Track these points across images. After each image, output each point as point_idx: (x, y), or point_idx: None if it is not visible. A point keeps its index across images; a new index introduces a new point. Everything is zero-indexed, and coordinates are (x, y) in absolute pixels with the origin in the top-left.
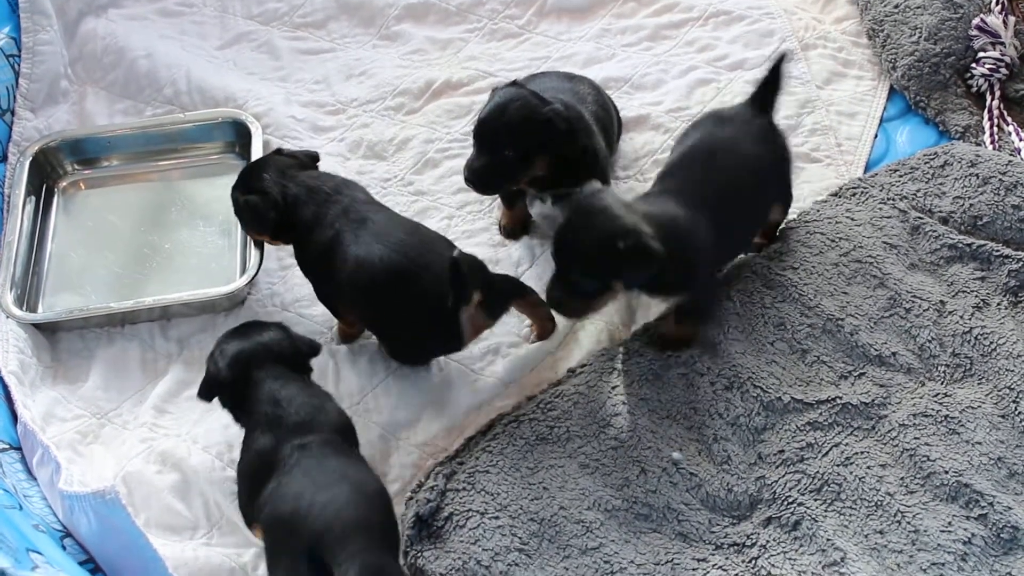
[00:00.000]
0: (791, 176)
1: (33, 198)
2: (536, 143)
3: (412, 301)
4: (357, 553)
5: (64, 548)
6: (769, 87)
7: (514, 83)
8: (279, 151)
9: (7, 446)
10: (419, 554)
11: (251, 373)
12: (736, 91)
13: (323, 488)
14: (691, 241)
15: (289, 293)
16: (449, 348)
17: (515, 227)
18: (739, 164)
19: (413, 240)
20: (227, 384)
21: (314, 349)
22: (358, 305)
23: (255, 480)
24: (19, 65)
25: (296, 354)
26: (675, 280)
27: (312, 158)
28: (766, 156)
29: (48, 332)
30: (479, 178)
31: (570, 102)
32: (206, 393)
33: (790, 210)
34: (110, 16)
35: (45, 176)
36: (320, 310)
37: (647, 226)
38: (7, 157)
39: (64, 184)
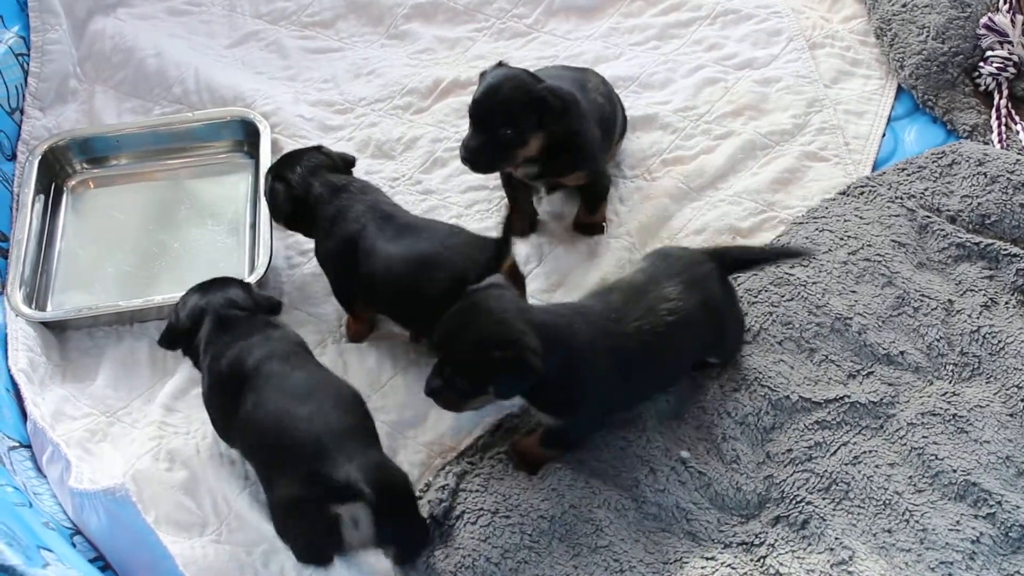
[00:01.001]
0: (728, 333)
1: (42, 197)
2: (531, 120)
3: (439, 287)
4: (353, 456)
5: (74, 546)
6: (748, 263)
7: (501, 64)
8: (319, 148)
9: (17, 444)
10: (430, 552)
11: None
12: (744, 90)
13: (301, 401)
14: (585, 367)
15: (298, 292)
16: None
17: (523, 225)
18: (665, 305)
19: (438, 230)
20: (185, 333)
21: (273, 307)
22: (382, 297)
23: (225, 400)
24: (28, 64)
25: (255, 309)
26: (557, 402)
27: (347, 162)
28: (699, 304)
29: (57, 330)
30: (476, 156)
31: (566, 86)
32: (166, 341)
33: (800, 205)
34: (119, 15)
35: (54, 175)
36: (330, 308)
37: (535, 339)
38: (16, 156)
39: (73, 183)
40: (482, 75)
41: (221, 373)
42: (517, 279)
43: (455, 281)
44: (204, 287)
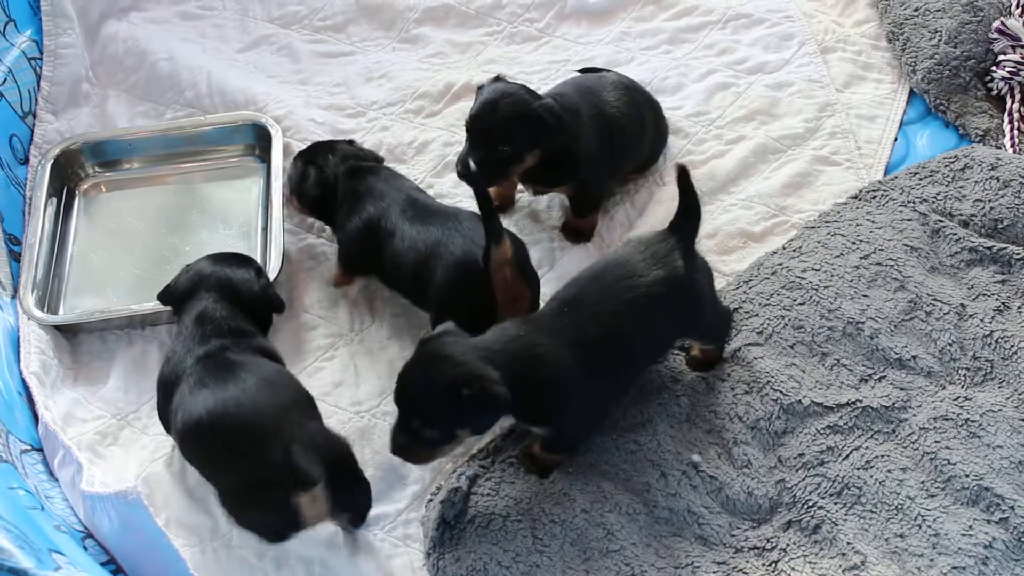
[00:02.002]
0: (705, 308)
1: (54, 200)
2: (528, 137)
3: (447, 271)
4: (295, 433)
5: (86, 549)
6: (687, 212)
7: (498, 78)
8: (350, 142)
9: (29, 447)
10: (441, 556)
11: (199, 294)
12: (755, 94)
13: (227, 387)
14: (550, 373)
15: (308, 296)
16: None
17: (502, 202)
18: (621, 284)
19: (455, 216)
20: (175, 298)
21: (277, 306)
22: (397, 276)
23: (166, 388)
24: (41, 68)
25: (255, 298)
26: (537, 414)
27: (377, 159)
28: (660, 279)
29: (69, 334)
30: (473, 172)
31: (571, 99)
32: (162, 297)
33: (811, 209)
34: (131, 19)
35: (66, 178)
36: (341, 312)
37: (492, 369)
38: (29, 159)
39: (85, 186)
40: (479, 89)
41: (166, 369)
42: (526, 272)
43: (459, 263)
44: (218, 259)
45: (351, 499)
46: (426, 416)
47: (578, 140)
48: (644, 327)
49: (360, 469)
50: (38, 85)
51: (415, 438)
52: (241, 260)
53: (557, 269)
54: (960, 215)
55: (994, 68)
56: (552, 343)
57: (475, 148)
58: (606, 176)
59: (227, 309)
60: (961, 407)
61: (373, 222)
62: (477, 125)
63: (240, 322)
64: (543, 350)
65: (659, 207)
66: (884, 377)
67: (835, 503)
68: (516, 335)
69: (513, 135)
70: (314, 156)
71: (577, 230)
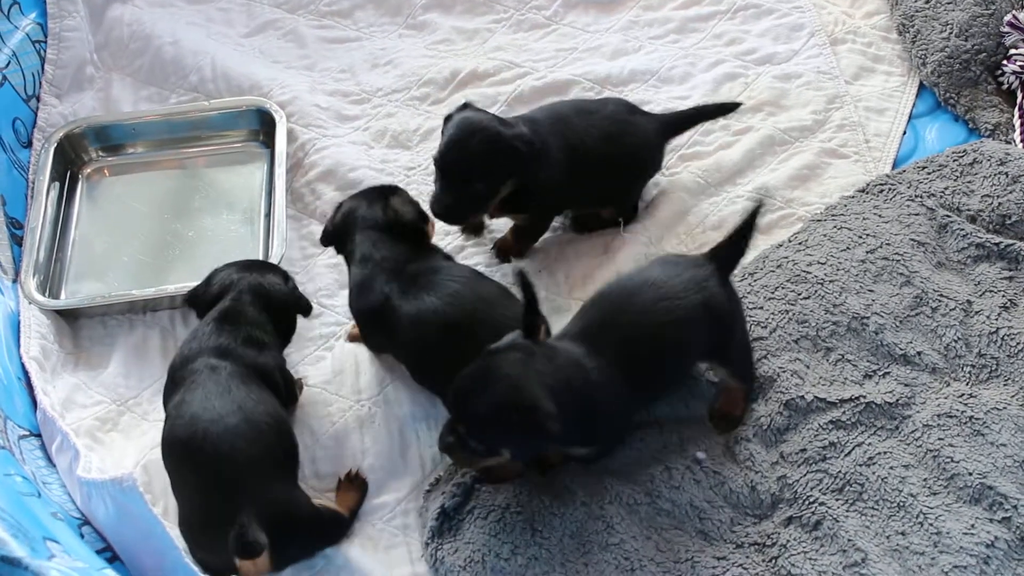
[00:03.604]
0: (733, 338)
1: (57, 184)
2: (502, 171)
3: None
4: (256, 494)
5: (82, 536)
6: (734, 244)
7: (466, 105)
8: (396, 190)
9: (27, 433)
10: (440, 546)
11: (228, 295)
12: (764, 86)
13: (219, 417)
14: (598, 399)
15: (311, 283)
16: None
17: (473, 230)
18: (662, 304)
19: (469, 292)
20: (203, 305)
21: (304, 308)
22: (413, 354)
23: (171, 382)
24: (45, 51)
25: (284, 302)
26: (585, 435)
27: (417, 223)
28: (702, 306)
29: (70, 318)
30: (451, 213)
31: (542, 127)
32: (190, 302)
33: (818, 202)
34: (136, 3)
35: (69, 162)
36: (342, 301)
37: (551, 403)
38: (32, 143)
39: (88, 171)
40: (447, 119)
41: (176, 358)
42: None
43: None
44: (250, 266)
45: (299, 555)
46: (473, 429)
47: (542, 171)
48: (678, 350)
49: (317, 531)
50: (42, 68)
51: (462, 444)
52: (269, 267)
53: (560, 262)
54: (968, 210)
55: (1005, 62)
56: (601, 364)
57: (449, 188)
58: (559, 208)
59: (254, 312)
60: (965, 404)
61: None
62: (448, 163)
63: (259, 331)
64: (595, 375)
65: (665, 198)
66: (888, 373)
67: (836, 499)
68: (570, 359)
69: (487, 171)
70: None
71: (505, 249)
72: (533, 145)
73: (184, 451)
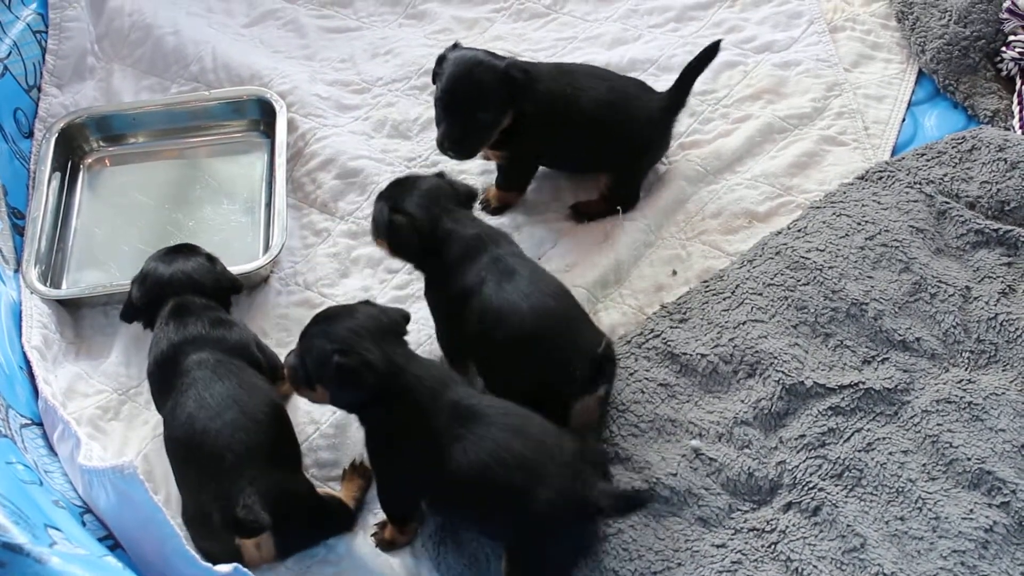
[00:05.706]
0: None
1: (59, 174)
2: (503, 100)
3: (538, 368)
4: (257, 478)
5: (84, 524)
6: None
7: (456, 45)
8: (440, 175)
9: (29, 421)
10: (442, 541)
11: (165, 298)
12: (763, 73)
13: (216, 414)
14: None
15: (311, 272)
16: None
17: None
18: None
19: (558, 306)
20: (141, 310)
21: (236, 287)
22: (483, 355)
23: (160, 383)
24: (46, 41)
25: (215, 286)
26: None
27: (470, 195)
28: None
29: (72, 308)
30: (460, 146)
31: (535, 67)
32: (126, 316)
33: (817, 189)
34: None
35: (71, 152)
36: (342, 290)
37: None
38: (33, 133)
39: (89, 161)
40: (440, 59)
41: (157, 358)
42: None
43: (547, 370)
44: (167, 256)
45: (303, 544)
46: (306, 352)
47: (528, 103)
48: None
49: (317, 516)
50: (43, 58)
51: (301, 362)
52: (190, 251)
53: (560, 246)
54: (967, 196)
55: (1004, 49)
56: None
57: (455, 121)
58: (539, 155)
59: (202, 300)
60: (964, 390)
61: (464, 296)
62: (453, 99)
63: (217, 312)
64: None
65: (664, 186)
66: (887, 359)
67: (835, 485)
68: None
69: (490, 100)
70: (401, 201)
71: (487, 201)
72: (528, 73)
73: (186, 449)
